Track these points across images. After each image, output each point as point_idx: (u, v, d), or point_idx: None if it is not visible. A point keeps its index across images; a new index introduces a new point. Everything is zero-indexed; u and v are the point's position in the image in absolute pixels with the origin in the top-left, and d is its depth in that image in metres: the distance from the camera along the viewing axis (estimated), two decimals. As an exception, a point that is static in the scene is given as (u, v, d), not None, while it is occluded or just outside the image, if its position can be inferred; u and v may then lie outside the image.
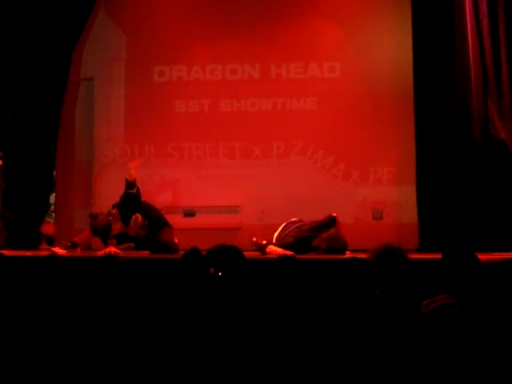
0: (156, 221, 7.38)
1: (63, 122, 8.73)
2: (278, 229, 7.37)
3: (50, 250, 6.96)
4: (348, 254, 6.59)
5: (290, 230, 7.25)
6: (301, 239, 7.05)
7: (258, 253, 7.19)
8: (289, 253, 6.41)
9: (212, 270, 3.61)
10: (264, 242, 7.48)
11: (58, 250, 6.92)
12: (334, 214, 7.19)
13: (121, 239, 7.34)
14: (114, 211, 7.33)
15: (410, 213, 8.23)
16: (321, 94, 8.71)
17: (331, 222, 7.12)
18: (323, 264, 5.07)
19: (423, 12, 8.09)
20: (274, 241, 7.24)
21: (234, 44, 8.80)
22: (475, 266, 3.95)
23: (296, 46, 8.76)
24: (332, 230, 6.96)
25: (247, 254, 6.44)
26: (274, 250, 6.93)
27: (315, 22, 8.75)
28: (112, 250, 6.84)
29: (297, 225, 7.28)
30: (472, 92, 7.81)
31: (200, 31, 8.85)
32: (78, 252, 7.22)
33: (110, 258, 4.19)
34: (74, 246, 7.26)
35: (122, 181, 8.24)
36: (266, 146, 8.76)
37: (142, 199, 7.60)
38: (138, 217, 7.15)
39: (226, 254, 3.80)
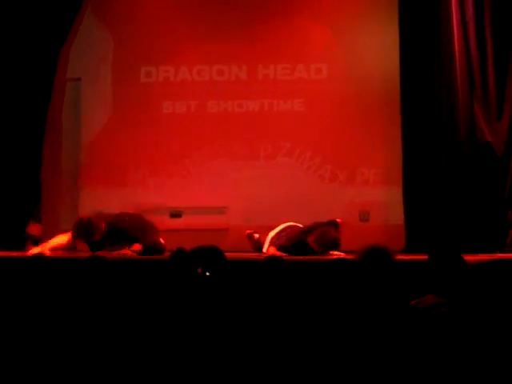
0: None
1: (49, 123, 8.69)
2: (274, 230, 7.36)
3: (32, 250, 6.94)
4: (337, 254, 6.56)
5: (292, 232, 7.22)
6: (297, 241, 7.02)
7: (245, 253, 7.22)
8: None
9: (200, 270, 3.62)
10: (257, 235, 7.51)
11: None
12: (338, 220, 7.20)
13: None
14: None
15: (396, 214, 8.26)
16: (308, 95, 8.73)
17: (333, 223, 7.10)
18: (310, 265, 5.09)
19: (410, 14, 8.12)
20: (267, 242, 7.24)
21: (221, 45, 8.79)
22: (461, 266, 3.97)
23: (283, 47, 8.77)
24: (322, 227, 6.93)
25: (235, 254, 6.50)
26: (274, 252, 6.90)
27: (302, 23, 8.77)
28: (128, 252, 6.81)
29: (295, 229, 7.26)
30: (458, 94, 7.86)
31: (187, 32, 8.83)
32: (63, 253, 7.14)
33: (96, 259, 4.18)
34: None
35: (107, 182, 8.27)
36: (253, 147, 8.77)
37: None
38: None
39: (207, 255, 3.80)
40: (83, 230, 6.95)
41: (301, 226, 7.35)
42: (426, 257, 4.24)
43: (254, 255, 7.10)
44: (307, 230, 7.08)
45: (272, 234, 7.33)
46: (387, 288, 3.64)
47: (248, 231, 7.72)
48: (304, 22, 8.78)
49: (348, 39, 8.70)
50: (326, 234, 6.85)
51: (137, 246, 6.98)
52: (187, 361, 3.18)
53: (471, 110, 7.83)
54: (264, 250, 7.27)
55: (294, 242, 7.01)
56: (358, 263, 3.80)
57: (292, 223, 7.42)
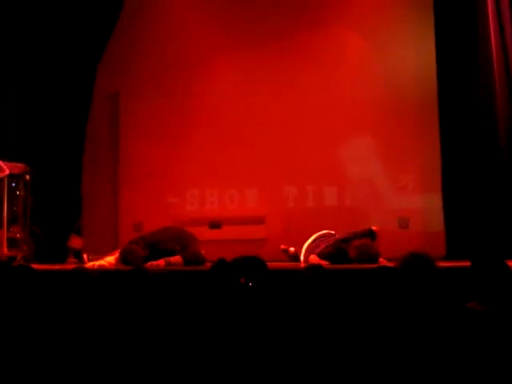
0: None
1: (89, 136, 8.77)
2: (308, 240, 7.30)
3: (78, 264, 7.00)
4: (382, 262, 6.47)
5: (329, 240, 7.15)
6: (339, 249, 6.94)
7: (285, 263, 7.20)
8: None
9: (243, 280, 3.62)
10: (292, 249, 7.48)
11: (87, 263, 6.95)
12: (374, 228, 7.09)
13: None
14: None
15: (436, 221, 8.17)
16: (344, 102, 8.69)
17: (369, 233, 7.00)
18: (352, 273, 5.05)
19: (446, 20, 8.05)
20: (303, 251, 7.20)
21: (257, 54, 8.82)
22: (505, 273, 3.91)
23: (319, 56, 8.76)
24: (365, 240, 6.83)
25: (274, 264, 6.49)
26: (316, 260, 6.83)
27: (338, 32, 8.77)
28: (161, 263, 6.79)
29: (335, 237, 7.19)
30: (497, 98, 7.76)
31: (223, 43, 8.89)
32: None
33: (137, 272, 4.19)
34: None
35: (147, 194, 8.32)
36: (289, 157, 8.75)
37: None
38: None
39: (249, 265, 3.80)
40: (126, 261, 6.93)
41: (333, 232, 7.29)
42: (467, 263, 4.19)
43: (293, 265, 7.07)
44: (345, 240, 6.99)
45: (307, 243, 7.29)
46: (430, 295, 3.60)
47: (283, 246, 7.67)
48: (340, 30, 8.79)
49: (384, 46, 8.66)
50: (367, 250, 6.73)
51: (177, 258, 6.98)
52: (233, 370, 3.18)
53: (510, 114, 7.73)
54: (301, 258, 7.21)
55: (334, 251, 6.93)
56: (400, 270, 3.77)
57: (326, 231, 7.35)
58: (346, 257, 6.79)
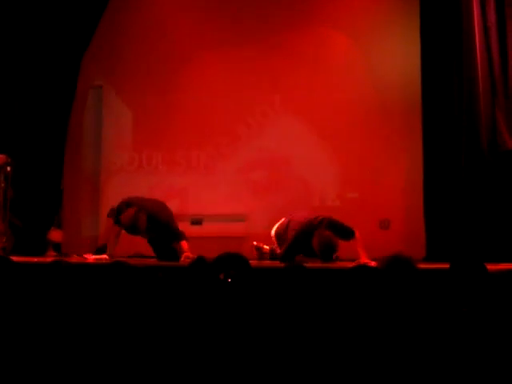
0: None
1: (71, 130, 8.75)
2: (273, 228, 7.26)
3: (80, 257, 6.98)
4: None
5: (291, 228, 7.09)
6: (302, 234, 6.89)
7: (264, 261, 7.19)
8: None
9: (222, 276, 3.62)
10: (266, 247, 7.45)
11: (89, 257, 6.88)
12: (357, 234, 6.86)
13: None
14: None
15: (417, 222, 8.21)
16: (329, 102, 8.71)
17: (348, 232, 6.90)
18: (332, 272, 5.06)
19: (431, 22, 8.09)
20: (273, 235, 7.13)
21: (243, 53, 8.82)
22: (484, 276, 3.93)
23: (305, 55, 8.77)
24: (327, 232, 6.76)
25: (255, 262, 6.48)
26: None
27: (324, 32, 8.78)
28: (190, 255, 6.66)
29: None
30: (480, 102, 7.80)
31: (209, 40, 8.88)
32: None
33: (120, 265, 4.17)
34: (100, 251, 7.09)
35: (129, 188, 8.29)
36: (272, 156, 8.76)
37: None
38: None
39: (233, 262, 3.80)
40: (134, 228, 6.88)
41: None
42: (447, 265, 4.21)
43: (274, 263, 7.06)
44: (307, 231, 6.91)
45: (273, 232, 7.24)
46: (410, 296, 3.62)
47: (255, 243, 7.59)
48: (325, 31, 8.80)
49: (369, 48, 8.69)
50: (325, 241, 6.69)
51: (184, 243, 6.93)
52: (207, 366, 3.18)
53: (493, 118, 7.77)
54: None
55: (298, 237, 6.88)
56: (381, 271, 3.78)
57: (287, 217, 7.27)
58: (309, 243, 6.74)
